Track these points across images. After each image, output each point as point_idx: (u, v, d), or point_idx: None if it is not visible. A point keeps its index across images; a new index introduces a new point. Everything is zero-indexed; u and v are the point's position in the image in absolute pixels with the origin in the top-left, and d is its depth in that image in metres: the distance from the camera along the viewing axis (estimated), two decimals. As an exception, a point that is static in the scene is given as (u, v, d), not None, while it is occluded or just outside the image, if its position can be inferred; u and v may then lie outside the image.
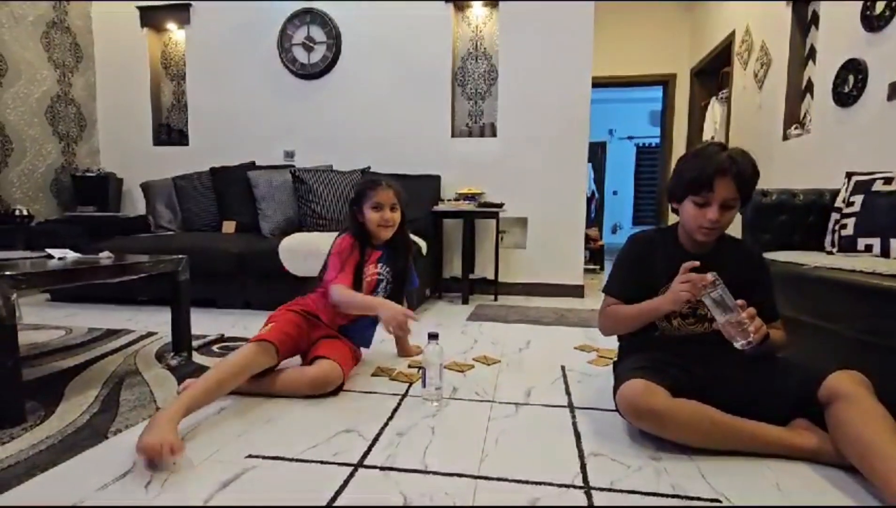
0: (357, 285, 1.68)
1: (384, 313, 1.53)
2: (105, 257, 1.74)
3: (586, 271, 4.00)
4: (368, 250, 1.74)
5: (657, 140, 6.33)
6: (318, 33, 3.71)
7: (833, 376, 1.09)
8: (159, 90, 4.15)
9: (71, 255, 1.76)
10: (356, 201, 1.73)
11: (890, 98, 2.27)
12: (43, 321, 2.48)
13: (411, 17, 3.59)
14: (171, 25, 3.99)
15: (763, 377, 1.20)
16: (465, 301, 3.22)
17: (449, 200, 3.46)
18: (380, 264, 1.77)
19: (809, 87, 3.07)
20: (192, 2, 3.86)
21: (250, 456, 1.10)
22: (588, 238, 4.99)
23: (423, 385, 1.43)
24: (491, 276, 3.45)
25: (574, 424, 1.30)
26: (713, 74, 4.63)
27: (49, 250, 1.77)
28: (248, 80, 3.85)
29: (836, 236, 1.97)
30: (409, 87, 3.65)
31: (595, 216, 6.52)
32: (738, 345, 1.11)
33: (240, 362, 1.37)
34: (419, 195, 3.35)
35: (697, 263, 1.17)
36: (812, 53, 3.06)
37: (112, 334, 2.22)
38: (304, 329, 1.60)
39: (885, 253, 1.76)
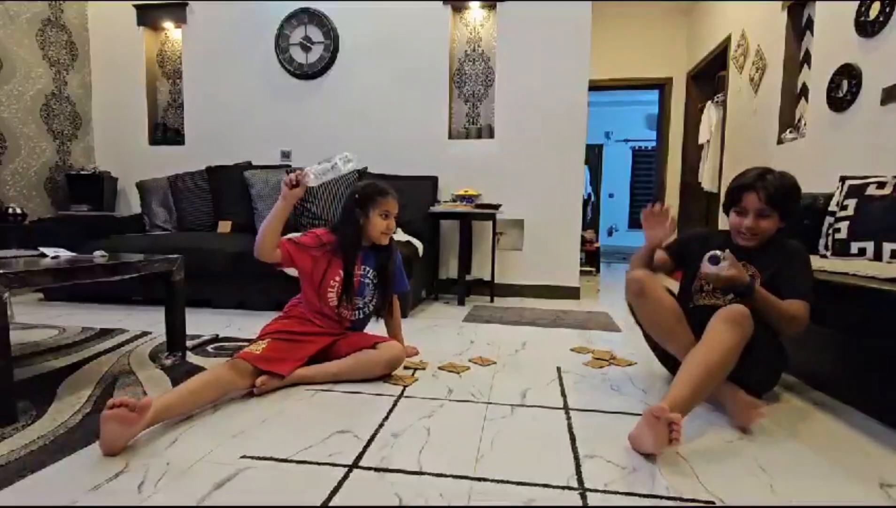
0: (346, 287, 1.67)
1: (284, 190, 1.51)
2: (99, 256, 1.74)
3: (582, 273, 4.01)
4: (358, 254, 1.71)
5: (653, 143, 6.37)
6: (315, 33, 3.70)
7: None
8: (155, 89, 4.13)
9: (65, 254, 1.75)
10: (362, 203, 1.68)
11: (883, 103, 2.29)
12: (36, 321, 2.46)
13: (409, 18, 3.60)
14: (168, 24, 3.98)
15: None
16: (462, 303, 3.22)
17: (446, 201, 3.46)
18: (363, 267, 1.73)
19: (804, 91, 3.09)
20: (188, 1, 3.85)
21: (245, 457, 1.09)
22: (584, 240, 5.00)
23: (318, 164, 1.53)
24: (487, 277, 3.45)
25: (569, 426, 1.30)
26: (709, 77, 4.65)
27: (42, 249, 1.76)
28: (245, 79, 3.85)
29: (830, 239, 1.98)
30: (406, 88, 3.65)
31: (591, 219, 6.53)
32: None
33: (210, 377, 1.38)
34: (416, 196, 3.35)
35: None
36: (807, 58, 3.08)
37: (106, 333, 2.21)
38: (301, 342, 1.61)
39: (878, 256, 1.77)
